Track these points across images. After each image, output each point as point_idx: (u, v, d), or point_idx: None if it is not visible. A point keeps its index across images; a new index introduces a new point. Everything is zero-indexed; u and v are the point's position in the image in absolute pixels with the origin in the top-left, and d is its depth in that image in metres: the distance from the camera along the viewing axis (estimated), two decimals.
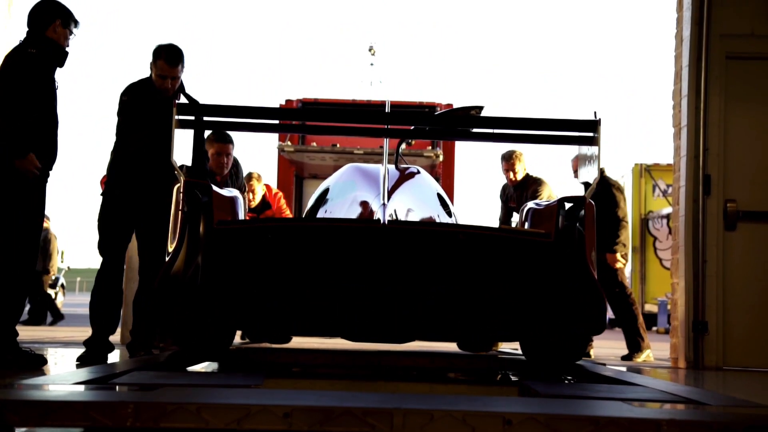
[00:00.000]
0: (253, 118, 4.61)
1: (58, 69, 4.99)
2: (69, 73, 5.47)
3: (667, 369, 6.14)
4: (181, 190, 4.28)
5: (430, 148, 10.75)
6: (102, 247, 5.49)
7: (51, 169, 4.96)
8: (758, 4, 6.45)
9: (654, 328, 17.19)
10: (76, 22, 5.07)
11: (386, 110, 4.85)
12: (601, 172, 7.51)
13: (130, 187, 5.48)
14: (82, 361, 5.02)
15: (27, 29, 4.95)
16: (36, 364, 4.66)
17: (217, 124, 4.74)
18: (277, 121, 4.98)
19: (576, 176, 7.70)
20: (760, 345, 6.24)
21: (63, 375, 3.78)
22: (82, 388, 3.23)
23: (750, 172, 6.39)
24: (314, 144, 10.87)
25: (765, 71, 6.48)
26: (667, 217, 16.48)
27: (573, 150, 4.91)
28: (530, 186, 7.36)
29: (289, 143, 10.65)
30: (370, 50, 13.96)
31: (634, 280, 18.18)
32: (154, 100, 5.50)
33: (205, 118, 4.51)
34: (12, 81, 4.77)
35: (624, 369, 5.48)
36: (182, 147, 5.58)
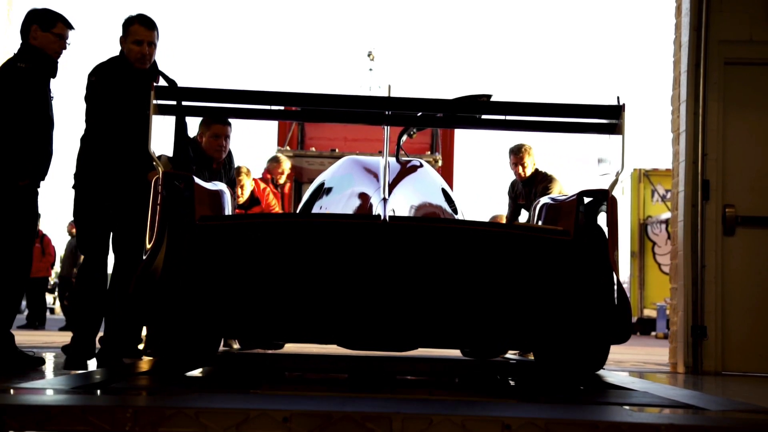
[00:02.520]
0: (241, 103, 4.21)
1: (53, 79, 4.84)
2: (82, 77, 5.20)
3: (666, 374, 6.14)
4: (160, 183, 3.91)
5: (429, 153, 10.75)
6: (83, 244, 4.94)
7: (43, 178, 4.90)
8: (757, 10, 6.46)
9: (653, 333, 17.20)
10: (65, 26, 4.80)
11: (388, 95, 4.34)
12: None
13: (106, 178, 4.89)
14: (66, 368, 4.54)
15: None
16: (34, 365, 4.66)
17: (203, 109, 4.34)
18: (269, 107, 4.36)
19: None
20: (759, 350, 6.23)
21: (61, 380, 3.77)
22: (80, 393, 3.23)
23: (749, 177, 6.39)
24: (313, 149, 10.88)
25: (763, 77, 6.48)
26: (666, 222, 16.49)
27: (591, 140, 4.42)
28: (540, 182, 7.06)
29: (287, 148, 10.65)
30: (369, 55, 13.95)
31: (633, 285, 18.19)
32: (127, 79, 4.92)
33: (188, 103, 4.17)
34: (2, 97, 4.64)
35: (623, 374, 5.47)
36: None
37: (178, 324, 3.84)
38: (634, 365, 7.06)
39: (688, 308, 6.29)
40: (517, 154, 7.15)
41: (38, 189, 4.90)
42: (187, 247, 3.81)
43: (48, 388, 3.32)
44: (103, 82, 4.90)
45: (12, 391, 3.29)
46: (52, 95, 4.91)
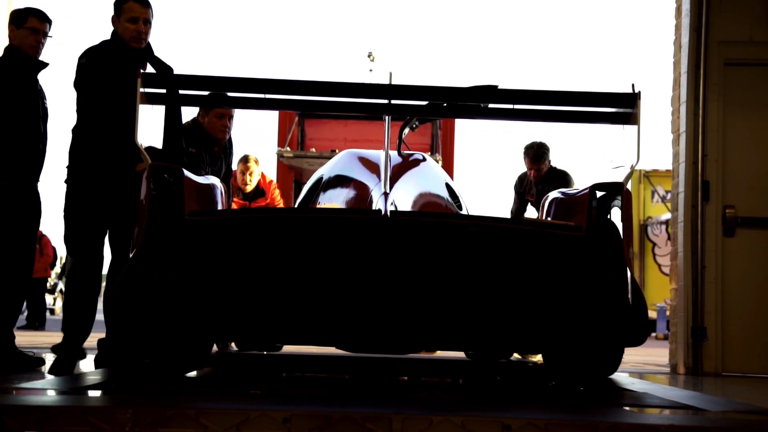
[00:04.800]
0: (237, 91, 4.01)
1: (39, 75, 4.80)
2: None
3: (666, 375, 6.14)
4: (146, 176, 3.70)
5: (429, 153, 10.75)
6: (72, 243, 4.64)
7: (38, 179, 4.88)
8: (756, 10, 6.47)
9: (653, 334, 17.20)
10: (37, 19, 4.70)
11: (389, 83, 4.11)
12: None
13: (101, 171, 4.63)
14: (52, 371, 4.38)
15: None
16: (34, 365, 4.67)
17: (196, 98, 4.16)
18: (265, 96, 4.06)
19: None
20: (759, 351, 6.23)
21: (61, 380, 3.78)
22: (80, 393, 3.23)
23: (748, 178, 6.39)
24: (313, 150, 10.87)
25: (763, 78, 6.49)
26: (666, 222, 16.49)
27: (604, 129, 4.19)
28: (553, 179, 6.82)
29: (288, 149, 10.64)
30: (369, 56, 13.95)
31: None
32: (122, 61, 4.62)
33: (180, 92, 3.99)
34: None
35: (624, 374, 5.48)
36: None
37: (166, 325, 3.62)
38: (634, 366, 7.06)
39: (688, 309, 6.29)
40: (536, 160, 6.85)
41: (37, 188, 4.89)
42: (175, 244, 3.59)
43: (48, 388, 3.32)
44: (95, 65, 4.61)
45: (13, 391, 3.30)
46: (40, 92, 4.84)
